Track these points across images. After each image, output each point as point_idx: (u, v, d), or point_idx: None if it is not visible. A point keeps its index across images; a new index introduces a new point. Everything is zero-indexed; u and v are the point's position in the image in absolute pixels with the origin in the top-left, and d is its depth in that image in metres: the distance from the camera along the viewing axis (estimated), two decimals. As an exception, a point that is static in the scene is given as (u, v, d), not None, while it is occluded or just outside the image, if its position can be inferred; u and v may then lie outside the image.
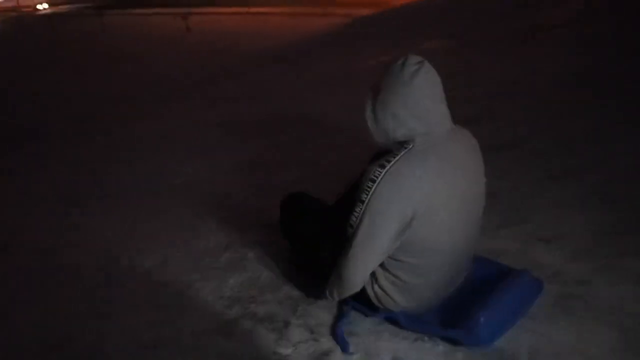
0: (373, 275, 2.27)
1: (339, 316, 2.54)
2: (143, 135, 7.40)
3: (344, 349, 2.35)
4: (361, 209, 2.06)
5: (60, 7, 54.85)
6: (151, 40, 35.23)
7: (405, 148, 2.04)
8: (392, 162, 2.02)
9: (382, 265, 2.22)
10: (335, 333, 2.43)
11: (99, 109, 12.22)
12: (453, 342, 2.22)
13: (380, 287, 2.28)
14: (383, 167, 2.02)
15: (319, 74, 9.01)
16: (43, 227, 4.62)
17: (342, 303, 2.56)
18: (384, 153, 2.11)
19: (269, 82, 10.42)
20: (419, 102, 2.01)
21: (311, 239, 2.51)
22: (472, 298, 2.23)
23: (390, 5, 29.66)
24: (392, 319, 2.37)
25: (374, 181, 2.01)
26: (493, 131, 4.64)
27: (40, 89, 26.28)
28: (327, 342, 2.55)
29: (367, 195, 2.03)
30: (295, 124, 6.20)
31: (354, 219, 2.10)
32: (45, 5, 58.47)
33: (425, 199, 2.01)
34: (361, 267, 2.15)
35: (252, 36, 29.86)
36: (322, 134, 5.58)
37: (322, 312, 2.75)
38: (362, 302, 2.41)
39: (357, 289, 2.26)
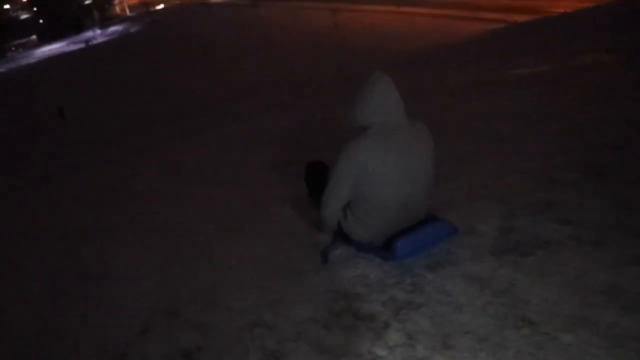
0: (344, 214, 3.36)
1: (330, 246, 3.53)
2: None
3: (323, 261, 3.45)
4: (332, 170, 3.24)
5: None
6: (299, 32, 36.71)
7: (364, 132, 3.10)
8: (353, 141, 3.10)
9: (349, 208, 3.32)
10: (323, 252, 3.49)
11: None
12: (386, 258, 3.27)
13: (348, 223, 3.36)
14: (347, 143, 3.12)
15: (462, 81, 8.75)
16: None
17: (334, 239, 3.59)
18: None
19: (411, 85, 10.31)
20: (376, 102, 3.07)
21: (317, 190, 3.57)
22: (403, 232, 3.25)
23: (547, 12, 28.16)
24: (357, 246, 3.46)
25: (339, 152, 3.15)
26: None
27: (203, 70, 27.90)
28: (423, 351, 2.50)
29: (335, 161, 3.19)
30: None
31: (329, 176, 3.27)
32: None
33: (373, 164, 3.04)
34: (330, 206, 3.32)
35: (399, 36, 29.89)
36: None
37: (424, 320, 2.70)
38: (343, 236, 3.50)
39: (331, 222, 3.42)
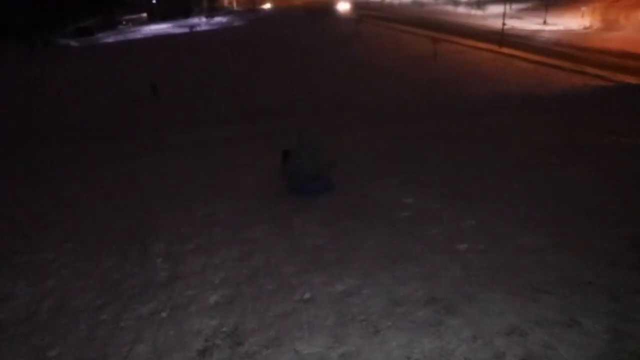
0: None
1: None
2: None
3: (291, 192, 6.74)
4: None
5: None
6: (399, 56, 36.80)
7: None
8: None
9: None
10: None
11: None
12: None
13: None
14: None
15: (542, 143, 8.47)
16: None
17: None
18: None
19: (501, 127, 10.07)
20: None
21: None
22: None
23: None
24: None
25: None
26: None
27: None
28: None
29: None
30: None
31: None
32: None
33: None
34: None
35: (495, 76, 29.45)
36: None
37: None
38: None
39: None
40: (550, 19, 45.79)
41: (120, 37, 68.42)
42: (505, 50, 36.63)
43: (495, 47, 37.29)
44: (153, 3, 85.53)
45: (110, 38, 69.56)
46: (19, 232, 6.51)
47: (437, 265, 4.30)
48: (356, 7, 68.47)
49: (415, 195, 5.99)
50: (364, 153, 8.32)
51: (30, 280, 4.97)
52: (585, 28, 42.58)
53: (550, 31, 42.50)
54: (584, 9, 45.59)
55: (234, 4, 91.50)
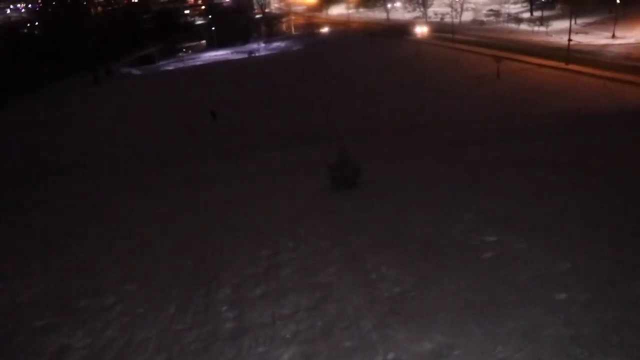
0: None
1: None
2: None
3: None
4: None
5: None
6: (463, 76, 35.96)
7: None
8: None
9: None
10: None
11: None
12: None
13: None
14: None
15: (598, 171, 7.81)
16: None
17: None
18: None
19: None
20: None
21: None
22: None
23: None
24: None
25: None
26: None
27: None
28: None
29: None
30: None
31: None
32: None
33: None
34: None
35: (564, 95, 28.22)
36: None
37: None
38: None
39: None
40: (619, 33, 43.78)
41: (180, 64, 70.54)
42: (573, 67, 35.20)
43: (561, 64, 35.89)
44: (212, 30, 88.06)
45: (170, 65, 71.83)
46: (77, 269, 6.26)
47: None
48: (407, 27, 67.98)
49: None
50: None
51: (89, 329, 4.66)
52: (657, 42, 40.44)
53: (619, 45, 40.56)
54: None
55: (292, 29, 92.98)
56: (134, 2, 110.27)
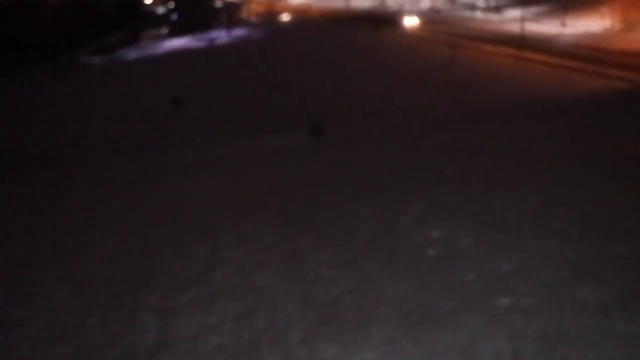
0: None
1: None
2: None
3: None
4: None
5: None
6: (418, 63, 36.81)
7: None
8: None
9: None
10: None
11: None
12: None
13: None
14: None
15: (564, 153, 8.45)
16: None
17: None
18: None
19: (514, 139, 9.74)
20: None
21: None
22: None
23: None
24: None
25: None
26: None
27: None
28: None
29: None
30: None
31: None
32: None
33: None
34: None
35: (518, 82, 29.32)
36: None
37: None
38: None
39: None
40: (569, 22, 45.41)
41: (142, 53, 69.54)
42: (526, 54, 36.49)
43: (515, 52, 37.15)
44: (173, 18, 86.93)
45: (132, 54, 70.79)
46: (10, 272, 6.00)
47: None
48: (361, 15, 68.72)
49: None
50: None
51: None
52: (605, 29, 42.15)
53: (569, 34, 42.15)
54: (603, 10, 45.16)
55: (253, 17, 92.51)
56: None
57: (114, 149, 21.59)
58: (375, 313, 3.92)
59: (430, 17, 60.26)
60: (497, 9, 57.12)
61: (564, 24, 44.99)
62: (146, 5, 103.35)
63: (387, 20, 59.06)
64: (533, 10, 52.22)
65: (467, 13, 60.54)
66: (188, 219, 6.97)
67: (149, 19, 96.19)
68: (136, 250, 6.02)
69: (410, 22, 56.07)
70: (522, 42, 37.48)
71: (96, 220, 7.86)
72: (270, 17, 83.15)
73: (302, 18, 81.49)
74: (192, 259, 5.44)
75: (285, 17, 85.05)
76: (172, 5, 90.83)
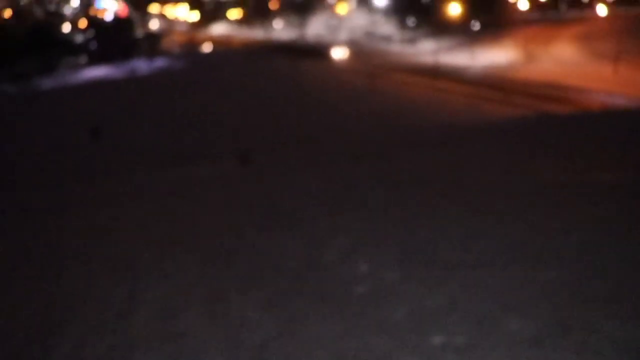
0: None
1: None
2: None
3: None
4: None
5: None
6: (339, 91, 38.03)
7: None
8: None
9: None
10: None
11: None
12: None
13: None
14: None
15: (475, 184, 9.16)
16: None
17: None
18: None
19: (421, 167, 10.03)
20: None
21: None
22: None
23: (585, 105, 28.59)
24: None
25: None
26: None
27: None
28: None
29: None
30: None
31: None
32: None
33: None
34: None
35: (430, 109, 31.00)
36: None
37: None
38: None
39: None
40: (477, 54, 48.62)
41: (60, 82, 67.13)
42: (440, 84, 38.63)
43: (429, 82, 39.26)
44: (93, 46, 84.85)
45: (48, 83, 68.24)
46: None
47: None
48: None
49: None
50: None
51: None
52: (509, 61, 45.47)
53: (478, 65, 45.09)
54: (507, 42, 48.87)
55: (176, 47, 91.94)
56: (7, 18, 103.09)
57: (23, 181, 20.78)
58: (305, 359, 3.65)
59: (351, 49, 62.42)
60: (412, 41, 60.28)
61: (472, 56, 48.07)
62: (63, 32, 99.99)
63: (311, 51, 60.67)
64: (444, 43, 55.40)
65: (384, 45, 63.27)
66: (103, 256, 6.38)
67: (66, 46, 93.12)
68: (44, 293, 5.42)
69: (338, 53, 58.12)
70: (436, 72, 39.78)
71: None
72: (191, 47, 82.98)
73: (224, 49, 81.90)
74: (108, 302, 4.90)
75: (207, 48, 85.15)
76: (91, 33, 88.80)
